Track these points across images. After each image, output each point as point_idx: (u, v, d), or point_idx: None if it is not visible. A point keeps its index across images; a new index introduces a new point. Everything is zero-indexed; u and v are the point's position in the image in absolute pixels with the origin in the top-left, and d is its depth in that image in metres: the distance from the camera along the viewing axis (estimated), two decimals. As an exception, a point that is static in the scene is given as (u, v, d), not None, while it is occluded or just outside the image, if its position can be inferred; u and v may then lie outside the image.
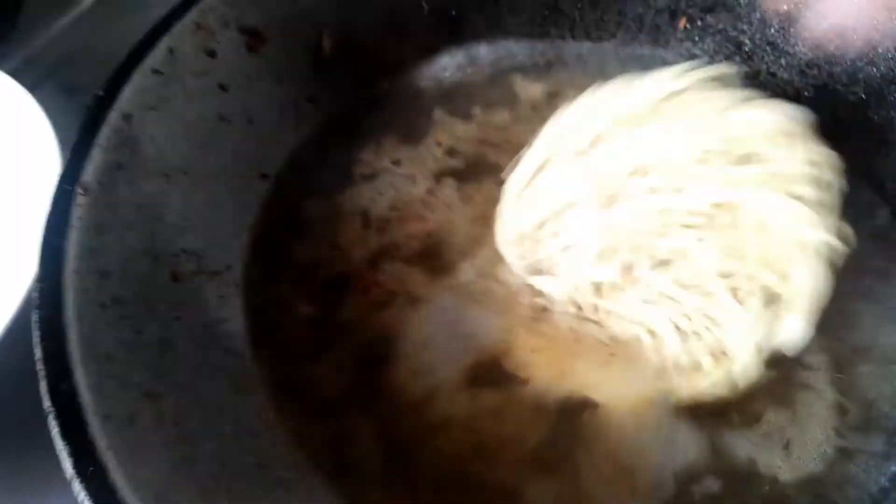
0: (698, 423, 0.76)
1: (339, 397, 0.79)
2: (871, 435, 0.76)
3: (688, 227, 0.73)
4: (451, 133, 1.00)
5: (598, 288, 0.77)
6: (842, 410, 0.77)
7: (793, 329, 0.73)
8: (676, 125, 0.75)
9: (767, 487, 0.73)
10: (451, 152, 0.98)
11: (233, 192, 0.88)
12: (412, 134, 1.00)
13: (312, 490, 0.71)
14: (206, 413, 0.69)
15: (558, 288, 0.79)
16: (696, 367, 0.74)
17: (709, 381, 0.74)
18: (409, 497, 0.73)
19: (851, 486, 0.74)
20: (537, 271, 0.81)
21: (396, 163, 0.97)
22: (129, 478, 0.57)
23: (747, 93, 0.79)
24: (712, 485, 0.73)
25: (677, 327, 0.73)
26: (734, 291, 0.72)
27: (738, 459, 0.75)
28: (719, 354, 0.73)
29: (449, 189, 0.94)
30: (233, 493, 0.64)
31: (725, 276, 0.72)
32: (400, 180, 0.96)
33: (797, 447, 0.75)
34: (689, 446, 0.74)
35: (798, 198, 0.71)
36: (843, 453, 0.75)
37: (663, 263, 0.74)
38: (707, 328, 0.73)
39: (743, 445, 0.75)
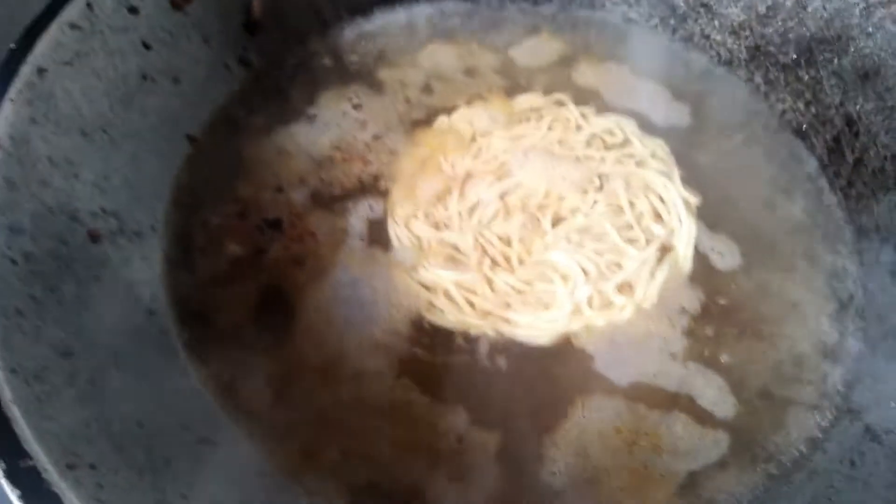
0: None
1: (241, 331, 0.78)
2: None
3: (583, 191, 0.86)
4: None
5: (507, 241, 0.83)
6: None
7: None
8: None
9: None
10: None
11: (157, 152, 0.85)
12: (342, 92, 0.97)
13: (238, 450, 0.69)
14: (124, 373, 0.67)
15: (467, 240, 0.83)
16: (607, 302, 0.81)
17: (619, 312, 0.80)
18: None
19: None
20: (446, 227, 0.85)
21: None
22: (35, 429, 0.55)
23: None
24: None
25: (585, 271, 0.81)
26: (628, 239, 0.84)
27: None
28: (625, 289, 0.81)
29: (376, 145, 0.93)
30: (153, 450, 0.62)
31: (618, 227, 0.85)
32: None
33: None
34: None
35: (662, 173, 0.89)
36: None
37: (563, 219, 0.85)
38: (610, 268, 0.82)
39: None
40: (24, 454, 0.54)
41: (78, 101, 0.78)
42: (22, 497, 0.52)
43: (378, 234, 0.85)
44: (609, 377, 0.76)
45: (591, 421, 0.74)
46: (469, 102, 0.96)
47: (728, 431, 0.74)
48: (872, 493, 0.66)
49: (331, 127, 0.94)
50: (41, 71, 0.75)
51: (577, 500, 0.70)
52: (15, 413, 0.55)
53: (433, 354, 0.77)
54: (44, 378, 0.60)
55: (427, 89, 0.98)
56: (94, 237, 0.74)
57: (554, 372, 0.76)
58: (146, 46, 0.86)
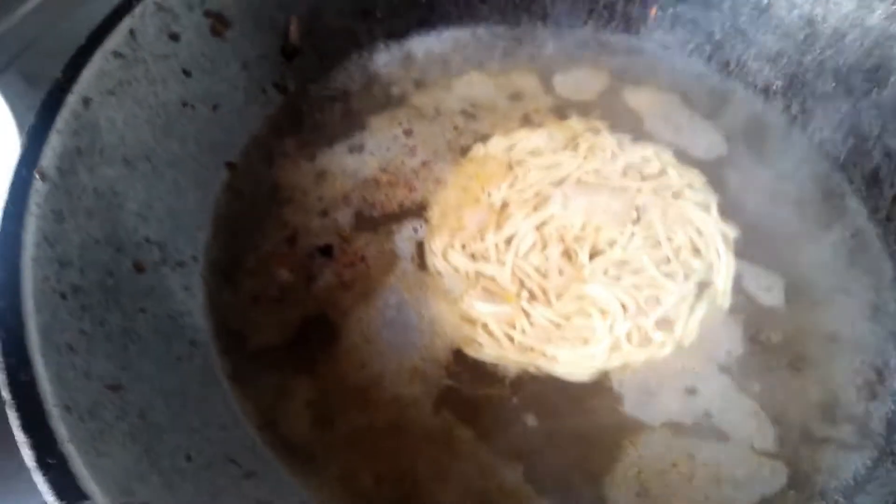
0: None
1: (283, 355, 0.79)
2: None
3: (620, 223, 0.87)
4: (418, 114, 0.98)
5: (544, 273, 0.83)
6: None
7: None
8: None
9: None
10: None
11: (197, 180, 0.86)
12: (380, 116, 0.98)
13: (281, 482, 0.69)
14: (170, 405, 0.67)
15: (504, 273, 0.83)
16: (647, 338, 0.81)
17: (659, 349, 0.80)
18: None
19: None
20: (483, 259, 0.85)
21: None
22: (91, 468, 0.55)
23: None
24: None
25: (623, 305, 0.82)
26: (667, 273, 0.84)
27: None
28: (663, 324, 0.82)
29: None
30: (200, 484, 0.62)
31: (656, 261, 0.85)
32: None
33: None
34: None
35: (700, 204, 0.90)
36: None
37: (601, 251, 0.85)
38: (649, 303, 0.83)
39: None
40: (82, 495, 0.54)
41: (121, 131, 0.79)
42: (83, 539, 0.52)
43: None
44: (652, 413, 0.76)
45: (645, 458, 0.74)
46: (520, 126, 0.97)
47: (784, 463, 0.74)
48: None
49: (380, 150, 0.94)
50: (86, 101, 0.76)
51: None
52: (71, 451, 0.56)
53: (472, 387, 0.77)
54: (96, 414, 0.60)
55: (471, 115, 0.98)
56: (139, 268, 0.75)
57: (595, 409, 0.76)
58: (186, 73, 0.86)
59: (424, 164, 0.93)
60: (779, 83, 1.02)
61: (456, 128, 0.97)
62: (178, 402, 0.68)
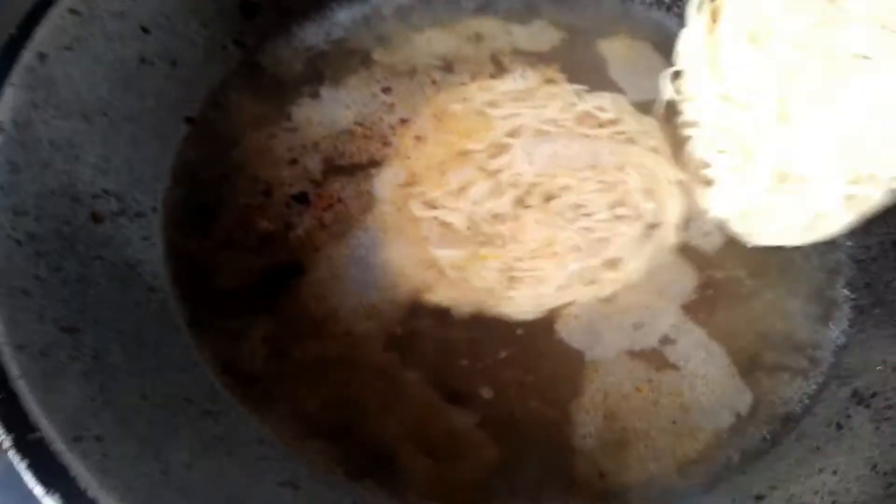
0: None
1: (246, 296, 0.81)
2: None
3: (574, 169, 0.88)
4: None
5: (499, 218, 0.85)
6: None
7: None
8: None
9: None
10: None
11: (157, 134, 0.87)
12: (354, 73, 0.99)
13: (238, 420, 0.71)
14: (127, 348, 0.69)
15: (460, 218, 0.85)
16: (595, 277, 0.83)
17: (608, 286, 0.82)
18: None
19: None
20: (440, 206, 0.87)
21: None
22: (41, 404, 0.57)
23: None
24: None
25: (575, 247, 0.83)
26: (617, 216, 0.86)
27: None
28: (613, 264, 0.84)
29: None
30: (155, 422, 0.64)
31: (609, 204, 0.87)
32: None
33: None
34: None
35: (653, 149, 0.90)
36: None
37: (555, 196, 0.87)
38: (600, 244, 0.84)
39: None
40: (32, 427, 0.55)
41: (78, 85, 0.79)
42: (30, 467, 0.54)
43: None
44: (606, 348, 0.78)
45: (607, 385, 0.76)
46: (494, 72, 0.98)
47: (743, 389, 0.78)
48: (857, 454, 0.67)
49: (356, 106, 0.96)
50: (42, 56, 0.77)
51: (609, 460, 0.73)
52: (22, 388, 0.57)
53: (426, 330, 0.78)
54: (49, 354, 0.62)
55: (446, 68, 0.99)
56: (97, 218, 0.76)
57: (550, 349, 0.78)
58: (144, 30, 0.87)
59: (403, 121, 0.94)
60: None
61: (434, 82, 0.98)
62: (134, 345, 0.70)
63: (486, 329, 0.79)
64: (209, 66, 0.94)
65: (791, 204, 0.79)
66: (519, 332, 0.79)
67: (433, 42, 1.02)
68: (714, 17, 0.84)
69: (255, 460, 0.67)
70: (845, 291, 0.84)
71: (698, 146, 0.86)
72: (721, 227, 0.85)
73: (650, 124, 0.93)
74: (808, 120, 0.76)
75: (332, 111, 0.95)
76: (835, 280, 0.84)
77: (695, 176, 0.86)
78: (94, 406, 0.61)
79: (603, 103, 0.94)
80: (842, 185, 0.76)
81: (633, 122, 0.93)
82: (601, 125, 0.93)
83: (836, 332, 0.81)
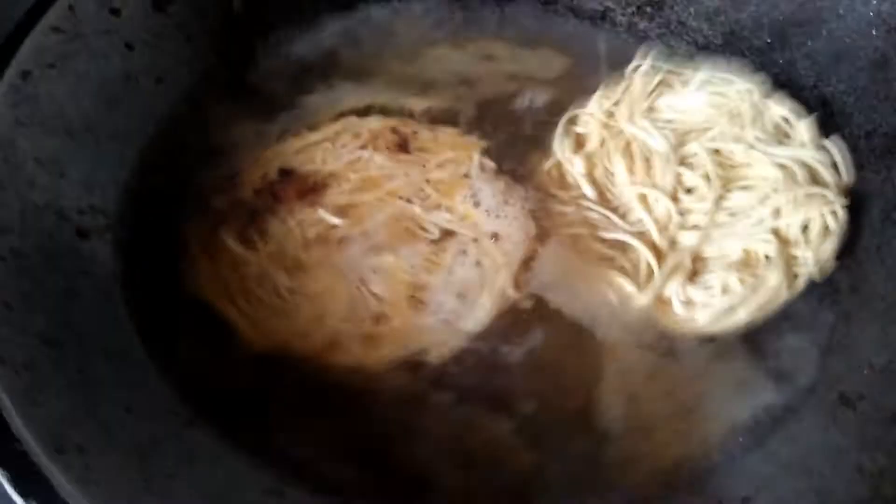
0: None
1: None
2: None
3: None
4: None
5: None
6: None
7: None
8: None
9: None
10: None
11: (144, 151, 0.87)
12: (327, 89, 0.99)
13: (223, 434, 0.71)
14: (112, 362, 0.69)
15: None
16: None
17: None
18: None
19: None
20: None
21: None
22: (23, 416, 0.57)
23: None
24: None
25: None
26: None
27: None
28: None
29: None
30: (141, 434, 0.64)
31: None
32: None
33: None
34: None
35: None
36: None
37: None
38: None
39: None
40: (14, 439, 0.55)
41: (63, 103, 0.80)
42: (11, 479, 0.54)
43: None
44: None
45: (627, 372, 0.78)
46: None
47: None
48: (844, 456, 0.67)
49: None
50: (25, 74, 0.77)
51: (634, 445, 0.74)
52: (4, 401, 0.57)
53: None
54: (32, 367, 0.62)
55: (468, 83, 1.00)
56: (83, 234, 0.76)
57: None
58: (129, 47, 0.88)
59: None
60: (717, 41, 1.03)
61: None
62: (119, 359, 0.70)
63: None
64: (195, 82, 0.94)
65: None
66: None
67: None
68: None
69: (241, 469, 0.67)
70: (830, 295, 0.83)
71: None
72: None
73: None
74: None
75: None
76: (819, 284, 0.84)
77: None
78: (77, 418, 0.61)
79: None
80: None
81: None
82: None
83: (821, 335, 0.80)
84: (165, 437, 0.65)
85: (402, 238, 0.84)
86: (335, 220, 0.84)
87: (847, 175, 0.88)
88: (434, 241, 0.84)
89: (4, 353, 0.60)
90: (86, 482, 0.56)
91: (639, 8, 1.08)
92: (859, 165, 0.89)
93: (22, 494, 0.53)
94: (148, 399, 0.68)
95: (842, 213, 0.85)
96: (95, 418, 0.62)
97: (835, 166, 0.89)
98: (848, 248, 0.85)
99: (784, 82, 0.97)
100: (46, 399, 0.60)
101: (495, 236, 0.84)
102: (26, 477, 0.55)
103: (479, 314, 0.81)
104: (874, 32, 0.90)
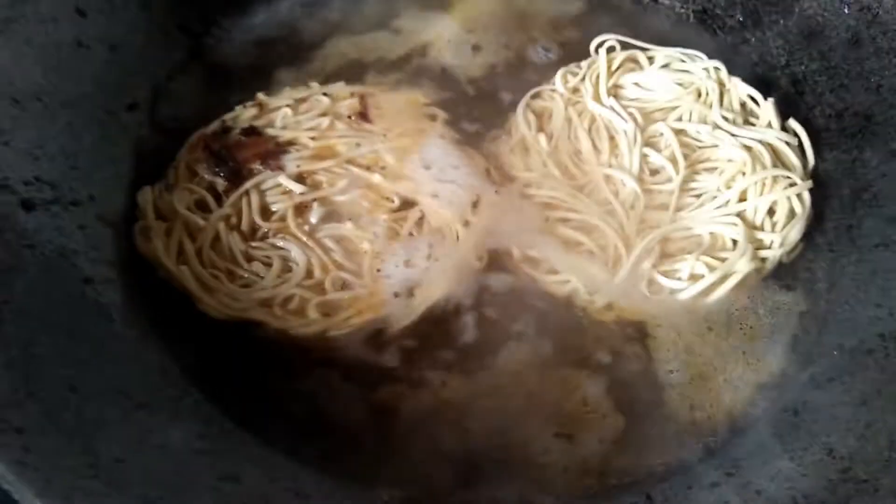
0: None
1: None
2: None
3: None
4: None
5: None
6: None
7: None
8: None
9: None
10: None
11: (95, 121, 0.83)
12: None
13: (177, 416, 0.68)
14: (57, 339, 0.66)
15: None
16: None
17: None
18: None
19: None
20: None
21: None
22: (-40, 396, 0.53)
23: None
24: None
25: None
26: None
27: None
28: None
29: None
30: (85, 415, 0.61)
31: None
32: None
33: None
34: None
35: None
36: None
37: None
38: None
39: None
40: (-54, 420, 0.52)
41: (9, 69, 0.76)
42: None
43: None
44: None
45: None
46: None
47: None
48: (814, 439, 0.66)
49: None
50: (-32, 37, 0.73)
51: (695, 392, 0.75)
52: (-62, 379, 0.54)
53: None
54: (-30, 344, 0.58)
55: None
56: (28, 206, 0.72)
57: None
58: (81, 13, 0.84)
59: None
60: (690, 18, 1.02)
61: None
62: (65, 337, 0.66)
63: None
64: (152, 52, 0.91)
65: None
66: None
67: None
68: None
69: (194, 454, 0.64)
70: (802, 276, 0.82)
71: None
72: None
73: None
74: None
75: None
76: (788, 266, 0.83)
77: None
78: (16, 398, 0.57)
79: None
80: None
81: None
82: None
83: (791, 319, 0.79)
84: (114, 420, 0.62)
85: (362, 207, 0.82)
86: (295, 186, 0.81)
87: (812, 157, 0.86)
88: (394, 210, 0.82)
89: (-60, 328, 0.57)
90: (22, 464, 0.52)
91: (612, -14, 1.05)
92: (830, 145, 0.87)
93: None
94: (95, 379, 0.64)
95: (807, 197, 0.83)
96: (37, 398, 0.58)
97: (800, 147, 0.86)
98: (818, 229, 0.83)
99: (756, 61, 0.96)
100: (-17, 378, 0.56)
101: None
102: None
103: (439, 281, 0.79)
104: (846, 11, 0.89)
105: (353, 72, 0.95)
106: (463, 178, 0.84)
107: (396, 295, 0.78)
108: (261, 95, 0.89)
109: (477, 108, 0.93)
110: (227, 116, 0.87)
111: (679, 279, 0.80)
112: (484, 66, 0.98)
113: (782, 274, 0.83)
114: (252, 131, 0.85)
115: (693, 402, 0.76)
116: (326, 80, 0.93)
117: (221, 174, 0.82)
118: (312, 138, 0.85)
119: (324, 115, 0.86)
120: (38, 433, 0.56)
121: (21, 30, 0.78)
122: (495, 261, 0.82)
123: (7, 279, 0.66)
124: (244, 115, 0.88)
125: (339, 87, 0.89)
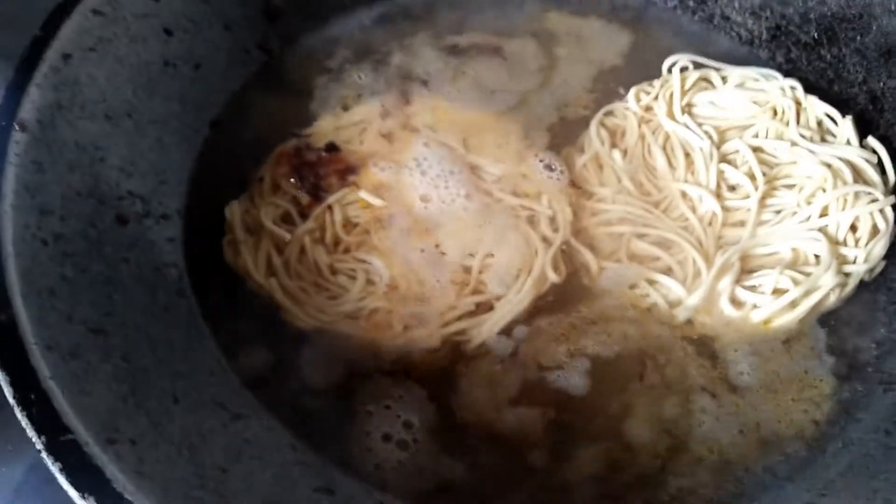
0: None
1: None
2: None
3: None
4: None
5: None
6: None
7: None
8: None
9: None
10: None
11: (181, 137, 0.85)
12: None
13: (272, 428, 0.69)
14: (156, 351, 0.67)
15: None
16: None
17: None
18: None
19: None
20: None
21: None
22: (73, 405, 0.55)
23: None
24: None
25: None
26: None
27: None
28: None
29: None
30: (187, 425, 0.62)
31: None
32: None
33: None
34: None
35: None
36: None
37: None
38: None
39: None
40: (65, 428, 0.53)
41: (103, 87, 0.78)
42: (63, 470, 0.52)
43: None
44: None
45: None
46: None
47: None
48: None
49: None
50: (66, 57, 0.76)
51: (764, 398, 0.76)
52: (53, 388, 0.55)
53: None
54: (79, 355, 0.60)
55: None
56: (122, 220, 0.74)
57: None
58: (168, 33, 0.86)
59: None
60: (763, 36, 1.02)
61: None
62: (163, 349, 0.68)
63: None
64: (232, 70, 0.93)
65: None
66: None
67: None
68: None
69: (289, 465, 0.65)
70: (884, 296, 0.81)
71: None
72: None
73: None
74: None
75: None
76: (874, 285, 0.82)
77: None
78: (126, 408, 0.59)
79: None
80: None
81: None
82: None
83: (877, 336, 0.79)
84: (214, 430, 0.63)
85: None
86: (376, 201, 0.82)
87: (893, 174, 0.86)
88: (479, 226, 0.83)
89: (51, 340, 0.59)
90: (140, 474, 0.54)
91: (681, 1, 1.05)
92: (909, 163, 0.87)
93: (74, 486, 0.51)
94: (194, 390, 0.66)
95: (891, 213, 0.82)
96: (144, 409, 0.60)
97: (880, 165, 0.86)
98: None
99: (832, 78, 0.95)
100: (94, 388, 0.58)
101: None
102: (78, 468, 0.53)
103: (521, 296, 0.79)
104: (926, 28, 0.88)
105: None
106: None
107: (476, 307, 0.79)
108: (338, 110, 0.90)
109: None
110: (307, 131, 0.88)
111: (762, 294, 0.79)
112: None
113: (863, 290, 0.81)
114: (332, 147, 0.86)
115: (776, 417, 0.75)
116: (401, 94, 0.94)
117: (304, 189, 0.83)
118: (387, 151, 0.87)
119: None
120: (150, 445, 0.57)
121: (113, 49, 0.80)
122: (573, 274, 0.82)
123: (108, 291, 0.68)
124: (322, 129, 0.89)
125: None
